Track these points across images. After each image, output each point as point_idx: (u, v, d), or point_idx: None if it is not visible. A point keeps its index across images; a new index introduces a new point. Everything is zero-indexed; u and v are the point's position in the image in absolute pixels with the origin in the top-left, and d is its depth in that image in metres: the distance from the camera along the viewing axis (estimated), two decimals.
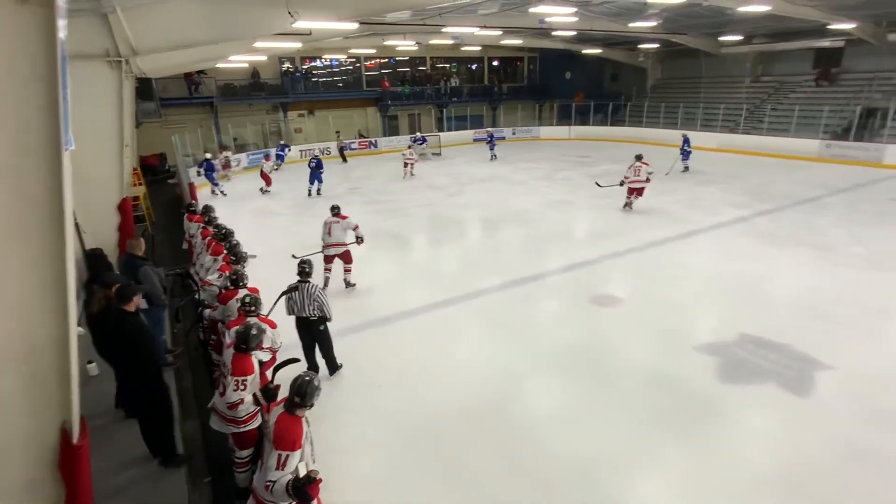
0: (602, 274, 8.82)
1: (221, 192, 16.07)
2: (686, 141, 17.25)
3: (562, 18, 17.53)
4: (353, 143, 25.27)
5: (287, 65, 25.05)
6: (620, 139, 25.91)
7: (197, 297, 6.09)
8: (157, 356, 4.32)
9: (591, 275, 8.76)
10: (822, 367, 5.72)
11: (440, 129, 27.53)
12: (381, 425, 5.03)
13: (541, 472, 4.34)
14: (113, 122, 8.87)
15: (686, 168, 17.23)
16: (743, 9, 14.71)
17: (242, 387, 3.74)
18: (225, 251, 6.18)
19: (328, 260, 8.20)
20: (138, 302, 4.33)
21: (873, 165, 17.12)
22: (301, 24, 10.53)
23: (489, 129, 24.88)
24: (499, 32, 20.66)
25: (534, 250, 10.11)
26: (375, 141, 25.90)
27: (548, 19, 17.91)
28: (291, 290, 5.44)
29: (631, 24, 19.52)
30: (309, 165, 16.12)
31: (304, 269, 5.56)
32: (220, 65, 20.15)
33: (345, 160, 22.69)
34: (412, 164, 18.33)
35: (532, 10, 15.58)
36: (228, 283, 5.26)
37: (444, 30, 19.30)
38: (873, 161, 17.32)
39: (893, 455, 4.38)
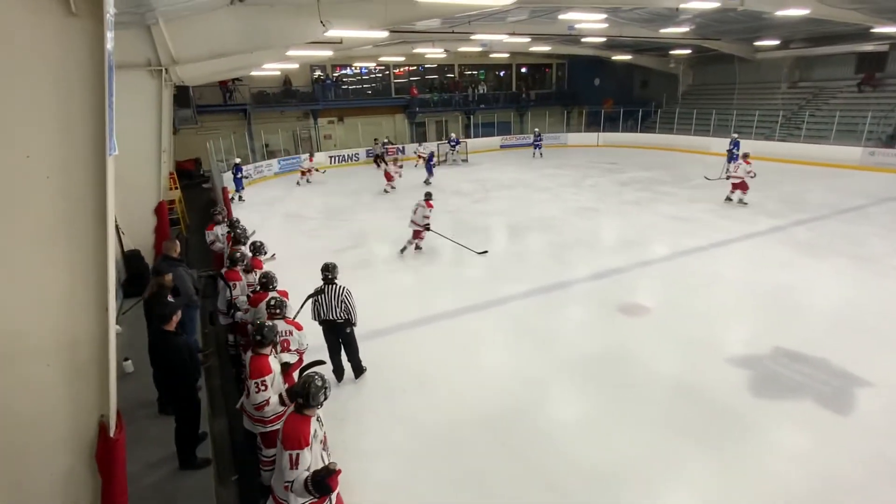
0: (629, 282, 8.67)
1: (240, 197, 16.40)
2: (736, 144, 17.41)
3: (591, 25, 17.42)
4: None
5: (318, 73, 25.63)
6: (650, 146, 25.49)
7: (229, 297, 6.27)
8: (193, 374, 4.43)
9: (618, 283, 8.62)
10: (862, 382, 5.48)
11: (467, 136, 27.63)
12: (403, 430, 5.05)
13: (561, 482, 4.29)
14: (153, 128, 9.25)
15: (727, 172, 17.04)
16: (781, 13, 14.29)
17: (263, 387, 3.80)
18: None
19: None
20: (177, 320, 4.46)
21: None
22: (332, 33, 10.79)
23: (536, 129, 25.57)
24: (527, 39, 20.64)
25: (559, 257, 10.02)
26: (403, 147, 26.15)
27: (577, 26, 17.82)
28: (318, 293, 5.54)
29: (662, 30, 19.21)
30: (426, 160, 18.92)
31: (328, 275, 5.57)
32: (253, 73, 20.75)
33: (378, 166, 21.41)
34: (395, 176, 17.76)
35: (561, 17, 15.51)
36: (258, 286, 5.40)
37: (472, 37, 19.42)
38: None
39: None
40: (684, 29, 19.32)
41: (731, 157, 17.02)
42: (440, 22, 16.57)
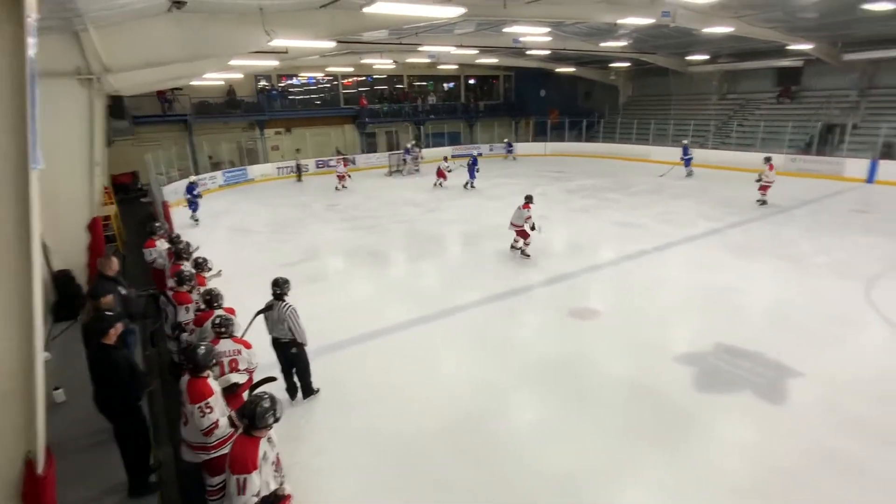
0: (580, 287, 8.92)
1: (195, 219, 14.73)
2: (686, 148, 19.87)
3: (535, 38, 17.99)
4: (332, 160, 25.26)
5: (263, 82, 25.02)
6: (595, 155, 26.50)
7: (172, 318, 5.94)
8: (135, 391, 4.16)
9: (570, 288, 8.85)
10: (794, 374, 5.86)
11: (418, 146, 27.72)
12: (360, 445, 4.94)
13: (522, 487, 4.32)
14: (83, 140, 8.69)
15: (690, 173, 19.53)
16: (707, 30, 15.32)
17: (209, 410, 3.60)
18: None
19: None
20: (117, 333, 4.16)
21: (834, 178, 17.86)
22: (277, 43, 10.57)
23: (506, 139, 27.64)
24: (475, 51, 21.04)
25: (513, 265, 10.18)
26: (354, 158, 25.89)
27: (522, 39, 18.35)
28: (266, 309, 5.35)
29: (602, 44, 20.14)
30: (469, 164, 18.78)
31: (277, 291, 5.33)
32: (194, 82, 19.99)
33: (300, 179, 22.75)
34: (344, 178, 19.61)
35: (506, 30, 15.93)
36: (202, 304, 5.15)
37: (420, 48, 19.58)
38: (834, 174, 18.07)
39: (863, 460, 4.49)
40: (623, 43, 20.33)
41: (686, 161, 19.71)
42: (388, 33, 16.61)
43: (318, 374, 5.75)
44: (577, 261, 10.13)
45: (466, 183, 18.75)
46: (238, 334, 4.74)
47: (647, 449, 4.74)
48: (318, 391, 5.71)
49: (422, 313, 7.87)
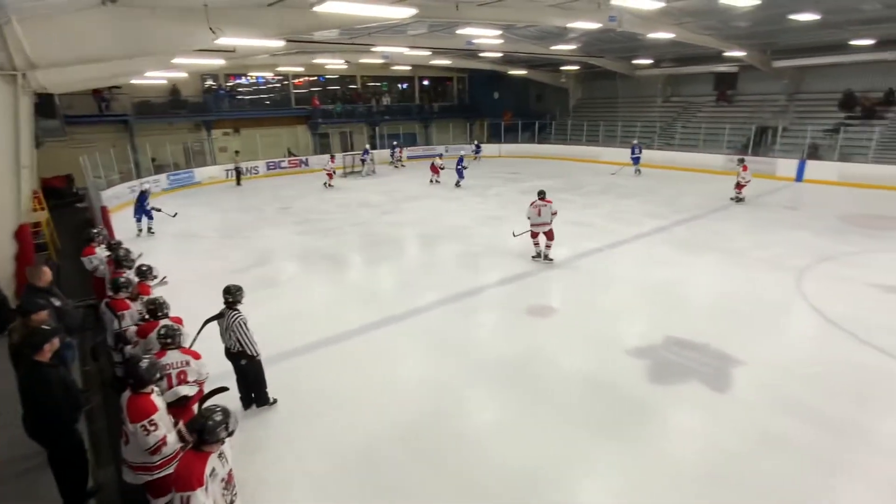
0: (536, 285, 9.08)
1: (149, 229, 13.49)
2: (635, 148, 20.86)
3: (488, 40, 18.19)
4: (283, 161, 24.66)
5: (210, 82, 24.10)
6: (547, 156, 27.10)
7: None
8: (70, 412, 3.88)
9: (526, 287, 8.99)
10: (736, 362, 6.18)
11: (373, 147, 27.48)
12: (318, 455, 4.82)
13: (482, 486, 4.33)
14: (8, 141, 8.07)
15: (638, 171, 20.68)
16: (651, 35, 16.00)
17: (153, 427, 3.38)
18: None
19: (535, 235, 9.98)
20: (52, 349, 3.86)
21: (768, 177, 19.00)
22: (223, 41, 10.19)
23: (476, 140, 28.26)
24: (428, 53, 21.07)
25: (470, 265, 10.24)
26: (306, 159, 25.37)
27: (475, 41, 18.51)
28: (217, 317, 5.14)
29: (552, 47, 20.60)
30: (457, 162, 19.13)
31: (228, 299, 5.14)
32: (134, 81, 19.01)
33: (239, 183, 21.62)
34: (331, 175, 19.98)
35: (459, 31, 16.04)
36: (146, 315, 4.89)
37: (373, 49, 19.40)
38: (768, 173, 19.23)
39: (800, 439, 4.79)
40: (572, 46, 20.88)
41: (635, 160, 20.80)
42: (339, 33, 16.37)
43: (273, 382, 5.58)
44: (533, 260, 10.30)
45: (457, 182, 19.14)
46: (186, 344, 4.52)
47: (603, 440, 4.87)
48: (274, 402, 5.52)
49: (379, 317, 7.78)
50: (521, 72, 28.97)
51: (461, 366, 6.36)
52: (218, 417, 2.90)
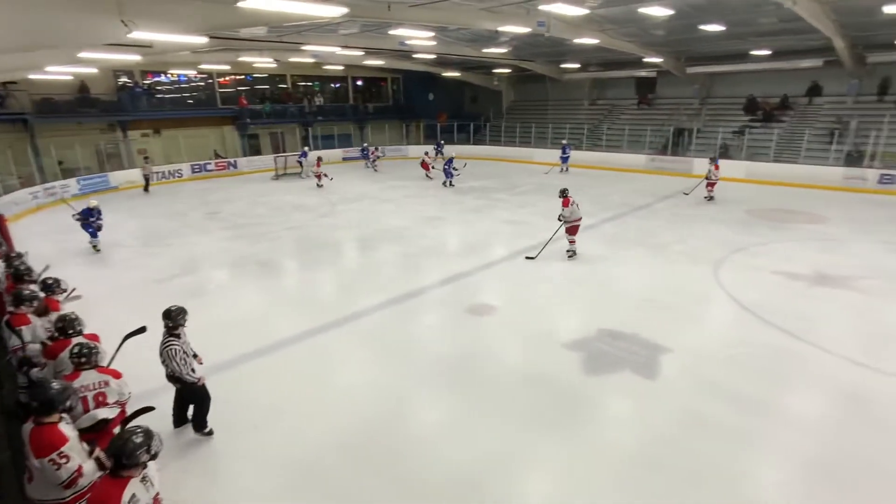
0: (476, 285, 9.19)
1: (95, 247, 11.68)
2: (565, 148, 22.06)
3: (421, 42, 18.23)
4: (210, 163, 23.42)
5: (125, 79, 22.42)
6: (482, 157, 27.53)
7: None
8: None
9: (466, 286, 9.08)
10: (664, 350, 6.57)
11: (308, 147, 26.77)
12: (256, 471, 4.60)
13: (432, 488, 4.32)
14: None
15: (566, 169, 21.99)
16: (578, 41, 16.70)
17: (64, 459, 3.01)
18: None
19: (575, 232, 10.29)
20: None
21: (686, 175, 20.40)
22: (138, 36, 9.49)
23: (441, 140, 27.51)
24: (361, 53, 20.78)
25: (410, 267, 10.20)
26: (235, 161, 24.25)
27: (408, 42, 18.48)
28: (137, 331, 4.77)
29: (484, 50, 20.99)
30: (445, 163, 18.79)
31: (168, 324, 4.72)
32: (34, 76, 17.32)
33: (146, 190, 19.66)
34: (321, 175, 19.46)
35: (392, 32, 15.94)
36: (56, 333, 4.45)
37: (304, 48, 18.87)
38: (685, 172, 20.67)
39: (722, 419, 5.17)
40: (504, 50, 21.39)
41: (564, 158, 22.04)
42: (267, 30, 15.77)
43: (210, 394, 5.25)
44: (472, 259, 10.44)
45: (445, 181, 19.03)
46: (104, 363, 4.16)
47: (544, 432, 5.01)
48: (209, 433, 5.05)
49: (317, 323, 7.57)
50: (455, 74, 29.29)
51: (404, 368, 6.31)
52: (138, 439, 2.68)
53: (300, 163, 22.67)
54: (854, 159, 17.86)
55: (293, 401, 5.64)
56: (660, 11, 12.95)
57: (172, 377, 4.83)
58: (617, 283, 9.06)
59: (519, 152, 26.60)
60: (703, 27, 15.28)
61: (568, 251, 10.40)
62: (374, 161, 24.83)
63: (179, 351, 4.68)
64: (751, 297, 8.13)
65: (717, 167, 15.62)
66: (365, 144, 25.55)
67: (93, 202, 11.84)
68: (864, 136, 17.94)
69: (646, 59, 21.15)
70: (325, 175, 19.56)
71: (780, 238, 11.58)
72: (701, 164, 20.21)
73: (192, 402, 5.02)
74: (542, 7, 11.84)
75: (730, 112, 22.84)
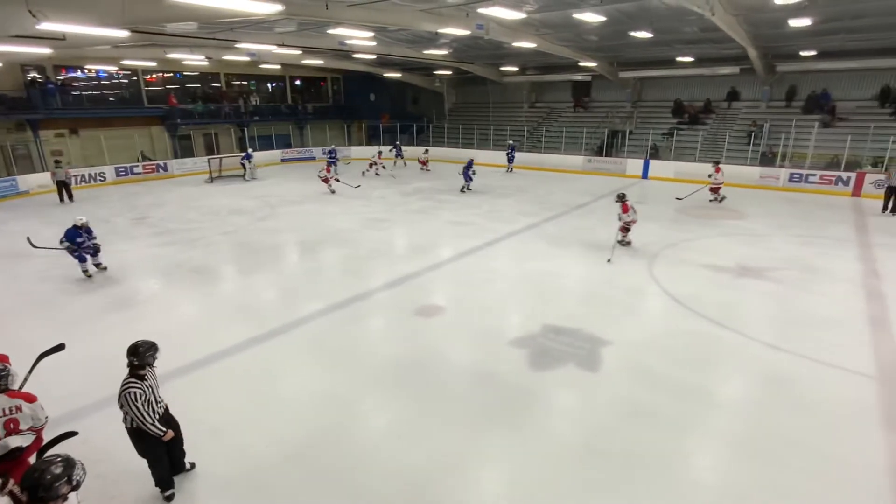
0: (423, 286, 9.17)
1: (86, 272, 9.66)
2: (512, 148, 23.14)
3: (361, 42, 18.00)
4: (137, 166, 21.98)
5: (34, 74, 20.60)
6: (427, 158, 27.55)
7: None
8: None
9: (413, 288, 9.04)
10: (604, 343, 6.84)
11: (242, 149, 25.70)
12: (203, 488, 4.35)
13: (381, 495, 4.25)
14: None
15: (510, 169, 22.98)
16: (516, 44, 17.09)
17: None
18: None
19: (627, 230, 11.01)
20: None
21: (620, 175, 21.44)
22: (48, 27, 8.76)
23: (397, 142, 26.50)
24: (298, 52, 20.21)
25: (355, 270, 10.03)
26: (165, 164, 22.91)
27: (347, 42, 18.19)
28: (53, 350, 4.38)
29: (425, 51, 21.04)
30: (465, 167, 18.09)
31: (133, 361, 3.94)
32: None
33: (69, 198, 17.17)
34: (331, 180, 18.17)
35: (331, 31, 15.64)
36: None
37: (238, 46, 18.12)
38: (620, 172, 21.68)
39: (659, 404, 5.44)
40: (444, 52, 21.51)
41: (510, 158, 22.89)
42: (197, 26, 15.01)
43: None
44: (419, 261, 10.41)
45: (462, 187, 18.21)
46: (15, 386, 3.79)
47: (493, 430, 5.06)
48: (191, 467, 4.55)
49: (259, 331, 7.27)
50: (397, 74, 29.16)
51: (351, 374, 6.19)
52: (56, 469, 2.45)
53: (244, 165, 21.71)
54: (768, 159, 19.41)
55: (236, 414, 5.38)
56: (593, 17, 13.49)
57: (128, 428, 4.01)
58: (559, 280, 9.33)
59: (462, 154, 26.80)
60: (632, 33, 16.10)
61: (621, 241, 11.01)
62: (380, 165, 22.92)
63: (141, 395, 3.90)
64: (682, 290, 8.62)
65: (718, 170, 15.55)
66: (333, 147, 23.44)
67: (80, 220, 9.65)
68: (776, 139, 19.54)
69: (581, 64, 21.99)
70: (337, 179, 18.11)
71: (707, 234, 12.37)
72: (634, 165, 21.33)
73: (145, 457, 4.15)
74: (480, 10, 12.03)
75: (659, 115, 24.20)
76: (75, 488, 2.52)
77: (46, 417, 3.79)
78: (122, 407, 3.90)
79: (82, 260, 9.62)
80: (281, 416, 5.34)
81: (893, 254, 10.57)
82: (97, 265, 9.91)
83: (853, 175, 16.93)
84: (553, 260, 10.45)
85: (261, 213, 15.11)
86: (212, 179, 21.51)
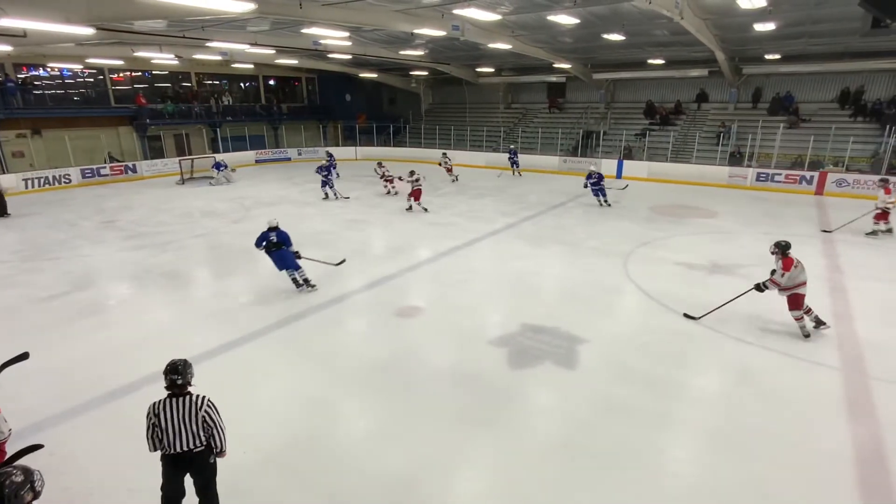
0: (402, 286, 9.14)
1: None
2: (513, 152, 22.23)
3: (336, 42, 17.84)
4: (104, 168, 21.31)
5: None
6: (403, 159, 27.39)
7: None
8: None
9: (392, 289, 9.00)
10: (582, 340, 6.92)
11: (215, 150, 25.21)
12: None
13: (363, 497, 4.22)
14: None
15: (518, 173, 22.19)
16: (491, 45, 17.19)
17: None
18: None
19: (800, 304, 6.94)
20: None
21: None
22: (8, 23, 8.43)
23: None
24: (272, 51, 19.92)
25: (334, 271, 9.92)
26: (134, 165, 22.28)
27: (322, 41, 18.01)
28: (18, 358, 4.20)
29: (401, 52, 20.98)
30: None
31: (177, 380, 3.67)
32: None
33: (4, 212, 15.03)
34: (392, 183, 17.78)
35: (305, 31, 15.45)
36: None
37: (209, 45, 17.76)
38: None
39: (635, 402, 5.54)
40: (420, 52, 21.49)
41: (513, 162, 22.02)
42: (167, 24, 14.65)
43: (113, 425, 4.75)
44: (398, 262, 10.37)
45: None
46: None
47: (474, 429, 5.07)
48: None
49: (236, 335, 7.14)
50: (373, 75, 29.01)
51: (331, 377, 6.12)
52: (18, 479, 2.38)
53: (218, 169, 21.10)
54: (736, 159, 19.97)
55: None
56: (566, 20, 13.67)
57: (192, 454, 3.61)
58: (537, 279, 9.41)
59: (439, 154, 26.83)
60: (605, 36, 16.38)
61: (803, 328, 6.93)
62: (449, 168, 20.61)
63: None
64: (655, 287, 8.79)
65: (888, 191, 11.52)
66: (327, 150, 22.37)
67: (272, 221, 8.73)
68: (743, 139, 20.13)
69: (556, 65, 22.26)
70: (331, 186, 17.16)
71: (680, 232, 12.66)
72: (609, 165, 21.66)
73: (210, 478, 3.81)
74: (456, 11, 12.05)
75: (632, 116, 24.66)
76: (36, 496, 2.45)
77: (10, 430, 3.65)
78: (193, 425, 3.56)
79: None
80: (261, 421, 5.25)
81: (854, 250, 11.00)
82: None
83: (816, 174, 17.57)
84: (531, 259, 10.54)
85: (235, 216, 14.84)
86: (183, 181, 21.01)
